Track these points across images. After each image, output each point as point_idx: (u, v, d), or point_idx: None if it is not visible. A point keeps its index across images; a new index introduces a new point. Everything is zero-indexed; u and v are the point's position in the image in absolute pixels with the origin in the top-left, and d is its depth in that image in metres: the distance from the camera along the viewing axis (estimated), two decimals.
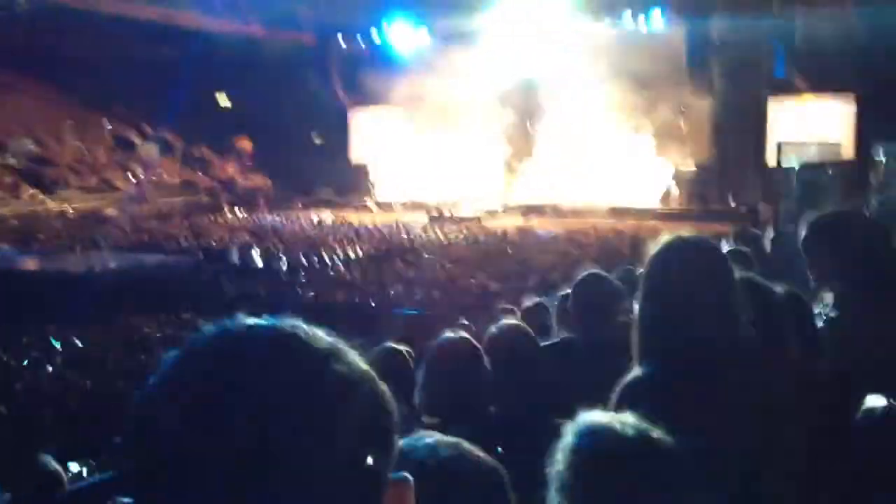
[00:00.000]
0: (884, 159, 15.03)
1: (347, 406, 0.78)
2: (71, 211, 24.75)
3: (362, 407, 0.79)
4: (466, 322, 5.77)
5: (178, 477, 0.73)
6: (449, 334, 3.13)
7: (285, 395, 0.75)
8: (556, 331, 4.37)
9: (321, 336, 0.82)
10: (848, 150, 23.00)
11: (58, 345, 10.51)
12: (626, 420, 1.62)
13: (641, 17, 25.64)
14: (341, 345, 0.83)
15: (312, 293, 14.54)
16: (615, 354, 2.41)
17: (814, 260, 3.02)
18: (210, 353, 0.80)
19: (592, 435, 1.59)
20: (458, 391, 2.87)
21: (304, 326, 0.82)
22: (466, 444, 1.64)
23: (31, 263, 18.03)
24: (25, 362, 9.91)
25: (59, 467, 4.15)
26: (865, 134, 21.28)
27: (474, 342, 3.06)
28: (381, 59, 29.81)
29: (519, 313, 5.26)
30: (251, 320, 0.83)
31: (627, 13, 25.69)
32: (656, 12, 25.17)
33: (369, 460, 0.78)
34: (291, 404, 0.75)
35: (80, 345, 10.69)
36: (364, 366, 0.83)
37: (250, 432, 0.73)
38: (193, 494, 0.73)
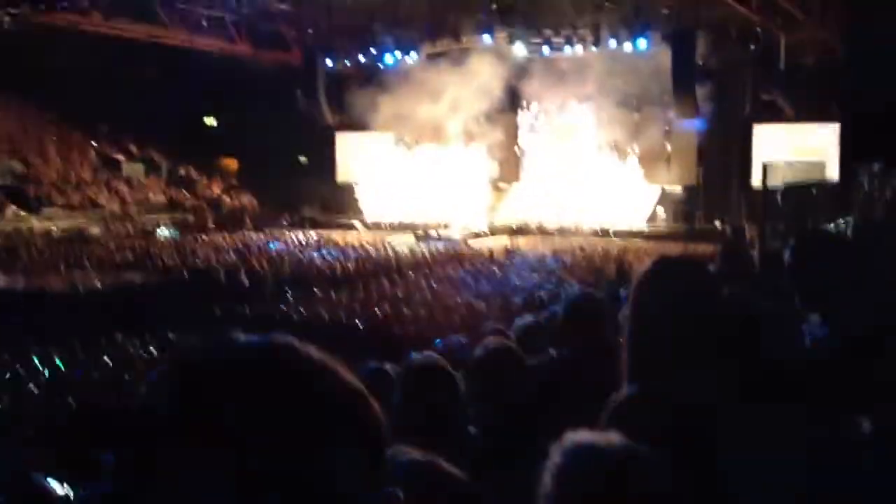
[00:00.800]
0: (865, 180, 15.14)
1: (338, 419, 0.78)
2: (55, 229, 24.64)
3: (353, 420, 0.79)
4: (454, 341, 5.75)
5: (170, 487, 0.73)
6: (418, 355, 3.12)
7: (277, 407, 0.75)
8: (546, 349, 4.37)
9: (313, 350, 0.82)
10: (832, 171, 23.15)
11: (42, 367, 10.43)
12: (613, 439, 1.61)
13: (627, 43, 25.80)
14: (332, 360, 0.83)
15: (298, 312, 14.49)
16: (604, 373, 2.41)
17: (800, 280, 3.03)
18: (202, 365, 0.79)
19: (580, 454, 1.58)
20: (431, 413, 2.85)
21: (296, 341, 0.81)
22: (441, 462, 1.63)
23: (14, 282, 17.91)
24: (7, 378, 9.85)
25: (52, 486, 4.11)
26: (849, 155, 21.47)
27: (444, 363, 3.05)
28: (368, 80, 29.91)
29: (508, 333, 5.25)
30: (242, 335, 0.82)
31: (613, 40, 25.85)
32: (642, 41, 25.37)
33: (360, 474, 0.78)
34: (283, 416, 0.75)
35: (64, 364, 10.61)
36: (355, 380, 0.83)
37: (241, 444, 0.72)
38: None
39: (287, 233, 26.73)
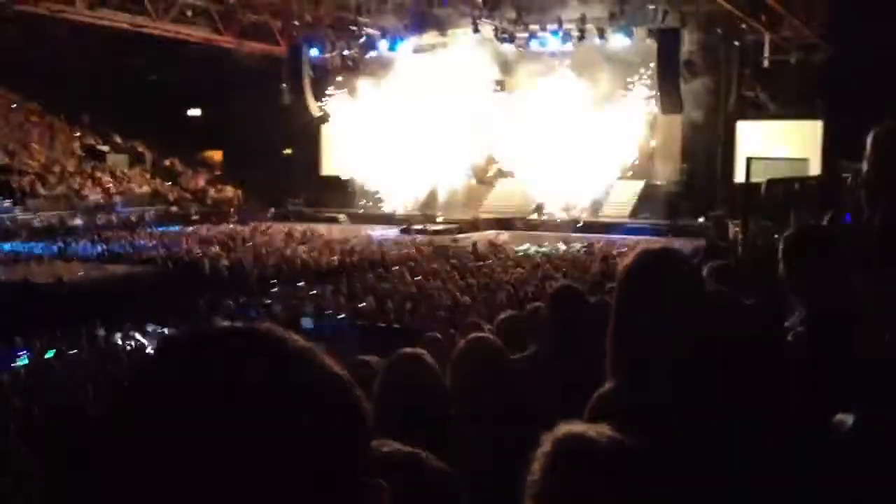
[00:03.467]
0: (848, 176, 15.20)
1: (324, 407, 0.78)
2: (38, 220, 24.46)
3: (338, 408, 0.79)
4: (438, 336, 5.75)
5: (154, 474, 0.73)
6: (404, 350, 3.12)
7: (262, 394, 0.75)
8: (528, 344, 4.37)
9: (297, 338, 0.82)
10: (815, 167, 23.30)
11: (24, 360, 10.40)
12: (601, 429, 1.63)
13: (613, 37, 25.89)
14: (317, 348, 0.83)
15: (281, 305, 14.48)
16: (587, 367, 2.41)
17: (786, 274, 3.04)
18: (186, 353, 0.79)
19: (570, 444, 1.59)
20: (413, 406, 2.85)
21: (280, 329, 0.82)
22: (424, 454, 1.64)
23: None
24: None
25: None
26: (831, 151, 21.59)
27: (428, 359, 3.05)
28: (354, 72, 29.85)
29: (490, 327, 5.25)
30: (227, 324, 0.83)
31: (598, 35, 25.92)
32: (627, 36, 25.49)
33: (344, 463, 0.78)
34: (267, 403, 0.75)
35: (48, 354, 10.58)
36: (340, 369, 0.83)
37: (225, 431, 0.73)
38: (171, 490, 0.73)
39: (271, 225, 26.64)
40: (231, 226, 26.79)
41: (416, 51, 28.79)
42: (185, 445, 0.71)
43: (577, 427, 1.65)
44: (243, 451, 0.71)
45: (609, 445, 1.58)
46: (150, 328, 12.45)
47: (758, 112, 25.94)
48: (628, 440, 1.60)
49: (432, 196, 29.39)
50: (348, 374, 0.82)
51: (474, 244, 21.33)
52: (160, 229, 25.16)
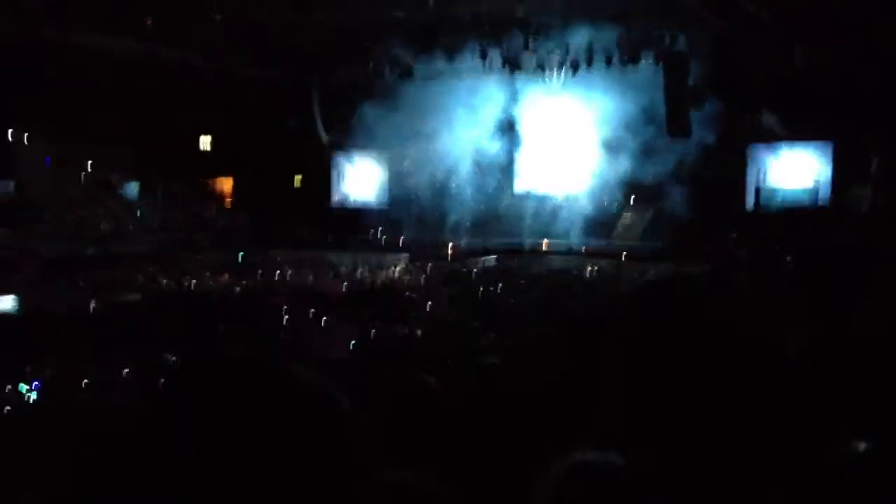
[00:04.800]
0: (858, 201, 15.24)
1: (315, 427, 0.80)
2: (44, 250, 24.49)
3: (329, 429, 0.81)
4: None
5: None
6: (406, 373, 3.14)
7: (266, 419, 0.77)
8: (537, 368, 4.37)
9: (303, 370, 0.84)
10: (825, 192, 23.29)
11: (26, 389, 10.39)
12: (614, 460, 1.64)
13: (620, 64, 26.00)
14: (322, 377, 0.85)
15: (294, 333, 14.48)
16: (591, 393, 2.42)
17: (798, 294, 3.06)
18: (199, 380, 0.82)
19: (580, 473, 1.60)
20: (411, 429, 2.85)
21: (278, 356, 0.84)
22: (422, 480, 1.66)
23: (6, 303, 17.86)
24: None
25: None
26: (842, 176, 21.59)
27: (425, 379, 3.06)
28: (364, 99, 29.99)
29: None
30: (236, 353, 0.85)
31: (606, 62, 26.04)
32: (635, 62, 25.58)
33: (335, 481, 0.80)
34: (270, 428, 0.77)
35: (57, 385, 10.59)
36: (342, 396, 0.84)
37: (234, 451, 0.75)
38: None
39: (282, 253, 26.64)
40: (241, 253, 26.80)
41: (424, 78, 28.92)
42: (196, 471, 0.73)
43: (587, 456, 1.66)
44: (251, 473, 0.73)
45: (619, 475, 1.59)
46: (161, 356, 12.45)
47: (767, 136, 25.92)
48: (639, 469, 1.61)
49: (441, 223, 29.39)
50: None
51: (484, 270, 21.31)
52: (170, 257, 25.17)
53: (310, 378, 0.85)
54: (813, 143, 25.42)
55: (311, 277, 20.29)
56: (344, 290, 18.84)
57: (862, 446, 2.31)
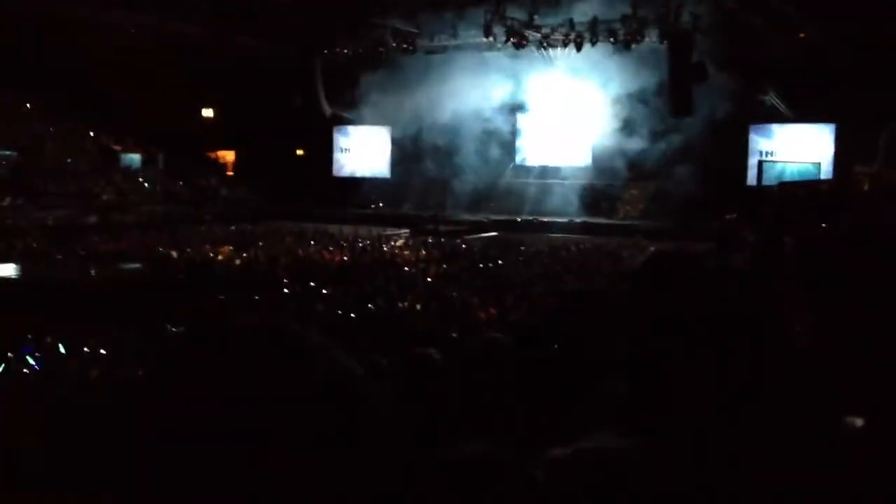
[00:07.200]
0: (861, 180, 15.18)
1: (336, 399, 0.81)
2: (51, 219, 24.55)
3: (348, 400, 0.82)
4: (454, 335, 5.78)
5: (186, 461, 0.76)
6: (418, 349, 3.16)
7: (280, 385, 0.78)
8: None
9: (315, 334, 0.85)
10: (827, 171, 23.25)
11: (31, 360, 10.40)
12: (614, 443, 1.65)
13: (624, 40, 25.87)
14: (331, 343, 0.86)
15: (294, 305, 14.47)
16: (598, 365, 2.44)
17: (804, 275, 3.07)
18: (209, 341, 0.83)
19: (582, 457, 1.62)
20: (427, 402, 2.88)
21: (294, 323, 0.85)
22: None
23: (8, 271, 17.86)
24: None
25: None
26: (844, 155, 21.54)
27: (438, 356, 3.09)
28: (367, 73, 29.86)
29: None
30: (245, 317, 0.86)
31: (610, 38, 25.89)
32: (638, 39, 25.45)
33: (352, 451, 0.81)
34: (285, 393, 0.78)
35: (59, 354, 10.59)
36: (356, 364, 0.86)
37: (245, 418, 0.76)
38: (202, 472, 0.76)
39: (283, 225, 26.64)
40: (242, 225, 26.80)
41: (427, 52, 28.79)
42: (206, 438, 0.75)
43: (587, 440, 1.68)
44: (261, 439, 0.74)
45: (620, 458, 1.61)
46: (162, 326, 12.46)
47: (770, 115, 25.84)
48: (641, 451, 1.63)
49: (443, 196, 29.37)
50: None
51: (485, 244, 21.30)
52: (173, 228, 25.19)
53: (325, 344, 0.86)
54: (817, 123, 25.36)
55: (311, 250, 20.25)
56: (345, 262, 18.80)
57: (858, 423, 2.33)
